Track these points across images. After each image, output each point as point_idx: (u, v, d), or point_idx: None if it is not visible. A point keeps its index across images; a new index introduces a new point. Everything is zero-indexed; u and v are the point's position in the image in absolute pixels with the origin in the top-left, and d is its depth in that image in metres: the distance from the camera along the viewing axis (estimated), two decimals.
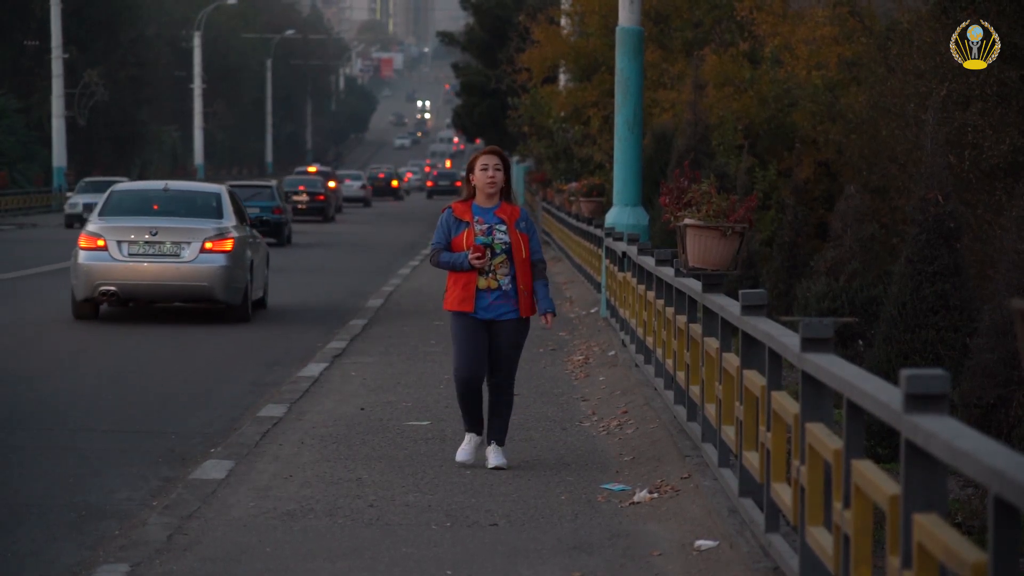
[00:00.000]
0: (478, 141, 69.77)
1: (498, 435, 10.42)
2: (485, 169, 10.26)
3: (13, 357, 16.81)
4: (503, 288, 10.21)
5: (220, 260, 20.06)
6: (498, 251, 10.19)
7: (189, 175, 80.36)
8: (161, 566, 7.84)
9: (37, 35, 64.70)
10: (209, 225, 20.38)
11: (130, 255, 19.92)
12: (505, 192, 10.30)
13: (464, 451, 10.44)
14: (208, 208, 20.99)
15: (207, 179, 73.29)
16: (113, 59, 71.35)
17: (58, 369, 15.91)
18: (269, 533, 8.59)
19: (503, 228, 10.21)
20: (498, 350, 10.28)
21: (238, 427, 12.26)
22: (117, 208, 20.83)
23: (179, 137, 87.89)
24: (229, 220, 20.68)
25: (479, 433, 10.46)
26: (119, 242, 19.96)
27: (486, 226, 10.21)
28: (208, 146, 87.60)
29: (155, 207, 20.95)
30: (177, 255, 20.07)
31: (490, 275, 10.21)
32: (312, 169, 71.37)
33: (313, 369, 15.62)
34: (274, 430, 11.96)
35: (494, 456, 10.38)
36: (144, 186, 22.67)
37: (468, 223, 10.21)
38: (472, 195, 10.32)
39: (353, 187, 77.44)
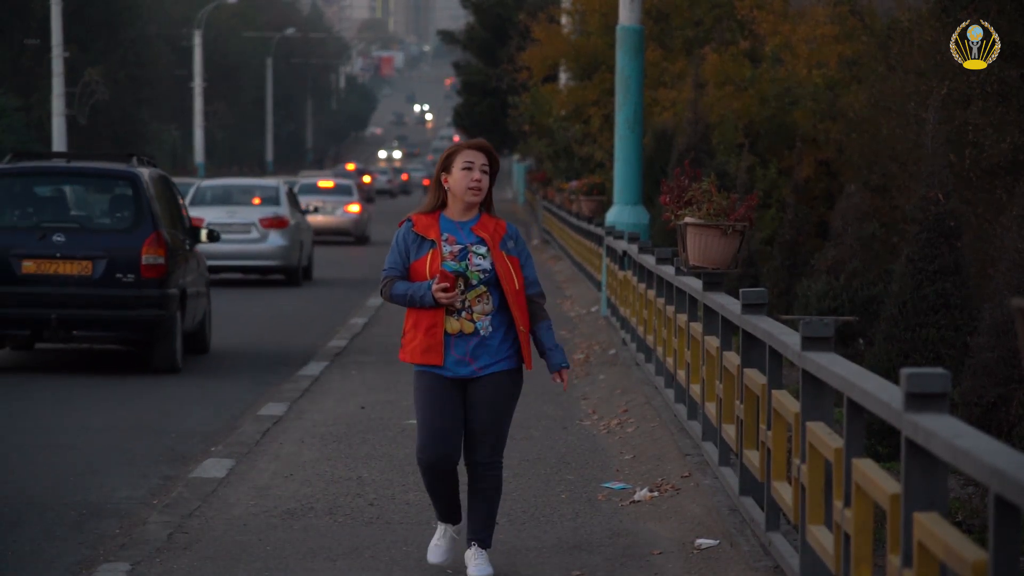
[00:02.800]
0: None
1: (481, 534, 7.61)
2: (469, 168, 7.45)
3: (13, 356, 16.80)
4: (481, 333, 7.40)
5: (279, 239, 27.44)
6: (475, 281, 7.39)
7: (190, 174, 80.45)
8: (161, 565, 7.84)
9: (37, 34, 64.71)
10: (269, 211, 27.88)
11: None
12: (487, 203, 7.57)
13: (437, 549, 7.77)
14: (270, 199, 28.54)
15: (207, 179, 73.31)
16: (113, 58, 71.35)
17: (59, 368, 15.89)
18: (269, 532, 8.59)
19: (482, 250, 7.42)
20: (478, 419, 7.47)
21: (238, 426, 12.27)
22: (202, 199, 28.44)
23: (179, 136, 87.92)
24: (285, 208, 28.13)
25: (456, 522, 7.77)
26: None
27: (459, 247, 7.41)
28: (208, 145, 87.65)
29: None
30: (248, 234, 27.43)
31: (464, 315, 7.39)
32: (351, 167, 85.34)
33: (314, 368, 15.62)
34: (274, 429, 11.96)
35: (476, 564, 7.58)
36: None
37: (434, 242, 7.39)
38: (441, 203, 7.51)
39: (381, 180, 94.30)
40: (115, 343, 15.76)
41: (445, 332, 7.37)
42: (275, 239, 27.44)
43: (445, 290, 7.26)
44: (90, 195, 16.12)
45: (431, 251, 7.39)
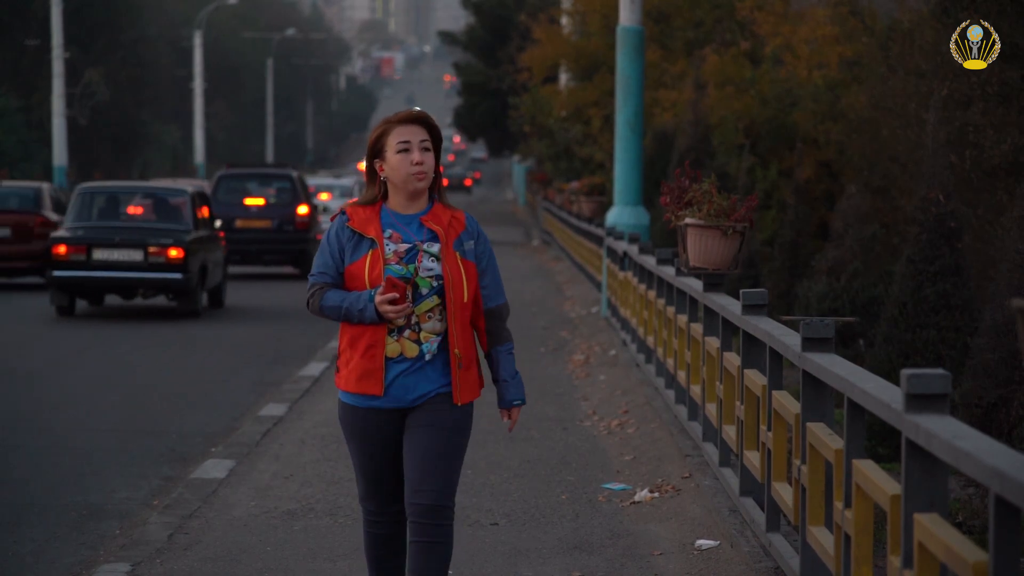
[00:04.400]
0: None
1: None
2: (406, 150, 5.92)
3: (13, 355, 16.81)
4: (427, 357, 5.91)
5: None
6: (425, 290, 5.90)
7: (190, 174, 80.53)
8: (162, 565, 7.84)
9: (38, 35, 64.71)
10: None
11: None
12: (436, 187, 6.06)
13: None
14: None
15: (207, 178, 73.52)
16: (114, 59, 71.37)
17: (59, 368, 15.90)
18: (270, 532, 8.59)
19: (434, 249, 5.93)
20: (419, 454, 5.94)
21: (239, 426, 12.27)
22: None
23: (180, 137, 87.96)
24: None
25: None
26: None
27: (406, 246, 5.93)
28: (209, 146, 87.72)
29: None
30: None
31: (408, 333, 5.90)
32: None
33: (314, 368, 15.62)
34: (275, 429, 11.96)
35: None
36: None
37: (374, 241, 5.91)
38: (381, 194, 6.03)
39: None
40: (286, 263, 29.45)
41: (385, 356, 5.88)
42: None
43: (394, 302, 5.76)
44: (269, 184, 30.23)
45: (371, 252, 5.89)
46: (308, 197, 30.17)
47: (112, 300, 22.85)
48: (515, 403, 6.10)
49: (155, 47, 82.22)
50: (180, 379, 15.24)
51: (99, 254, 20.71)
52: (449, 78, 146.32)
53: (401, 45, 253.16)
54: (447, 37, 68.33)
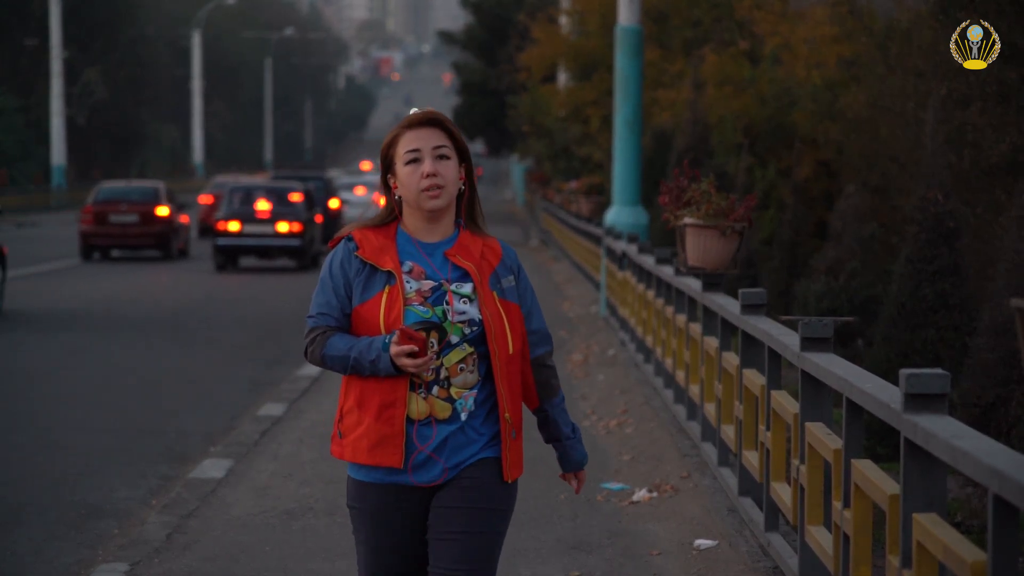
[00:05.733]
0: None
1: None
2: (416, 160, 4.72)
3: (13, 353, 16.80)
4: (463, 418, 4.71)
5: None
6: (457, 338, 4.70)
7: (188, 174, 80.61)
8: (160, 565, 7.84)
9: (36, 34, 64.69)
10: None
11: None
12: (467, 207, 4.85)
13: None
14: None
15: (206, 177, 73.60)
16: (112, 58, 71.38)
17: (58, 368, 15.90)
18: (268, 532, 8.59)
19: (467, 289, 4.73)
20: (454, 547, 4.70)
21: (237, 426, 12.26)
22: None
23: (178, 136, 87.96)
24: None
25: None
26: None
27: (431, 284, 4.72)
28: (207, 145, 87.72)
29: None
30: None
31: (437, 389, 4.70)
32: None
33: (312, 368, 15.61)
34: (273, 429, 11.96)
35: None
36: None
37: (391, 275, 4.71)
38: (395, 213, 4.81)
39: None
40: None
41: (408, 417, 4.68)
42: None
43: (413, 355, 4.60)
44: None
45: (387, 289, 4.69)
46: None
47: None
48: (581, 463, 5.03)
49: (154, 46, 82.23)
50: (178, 378, 15.23)
51: (247, 228, 31.24)
52: (448, 77, 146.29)
53: (400, 45, 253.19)
54: (446, 36, 68.32)
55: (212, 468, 10.36)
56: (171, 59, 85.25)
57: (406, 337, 4.59)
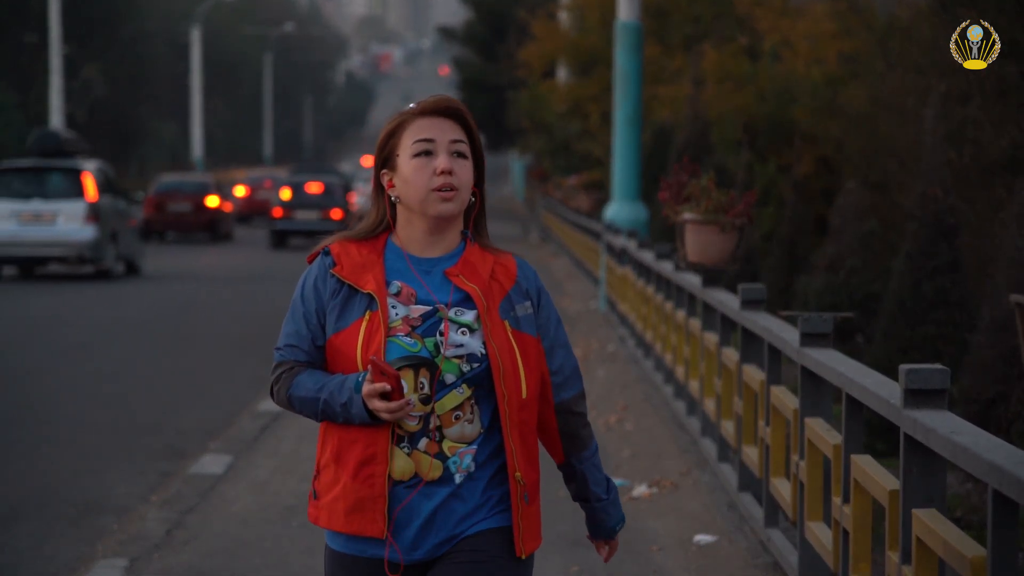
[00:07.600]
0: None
1: None
2: (427, 152, 3.81)
3: (13, 353, 16.81)
4: (456, 479, 3.78)
5: None
6: (452, 377, 3.77)
7: (188, 170, 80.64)
8: (160, 561, 7.84)
9: (36, 30, 64.67)
10: None
11: None
12: (476, 217, 3.94)
13: None
14: None
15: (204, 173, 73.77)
16: (112, 55, 71.36)
17: (57, 364, 15.90)
18: (268, 528, 8.59)
19: (468, 317, 3.80)
20: None
21: (237, 422, 12.26)
22: None
23: (178, 132, 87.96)
24: None
25: None
26: None
27: (422, 309, 3.80)
28: (207, 141, 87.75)
29: None
30: None
31: (424, 443, 3.78)
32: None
33: None
34: (273, 425, 11.95)
35: None
36: None
37: (372, 297, 3.80)
38: (386, 221, 3.91)
39: None
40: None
41: (390, 477, 3.76)
42: None
43: (386, 395, 3.68)
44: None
45: (368, 315, 3.78)
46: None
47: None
48: (617, 527, 4.09)
49: (153, 43, 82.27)
50: (178, 374, 15.23)
51: (297, 214, 38.68)
52: (446, 70, 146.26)
53: (399, 40, 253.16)
54: (446, 32, 68.31)
55: (212, 464, 10.36)
56: (171, 55, 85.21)
57: (379, 372, 3.66)
